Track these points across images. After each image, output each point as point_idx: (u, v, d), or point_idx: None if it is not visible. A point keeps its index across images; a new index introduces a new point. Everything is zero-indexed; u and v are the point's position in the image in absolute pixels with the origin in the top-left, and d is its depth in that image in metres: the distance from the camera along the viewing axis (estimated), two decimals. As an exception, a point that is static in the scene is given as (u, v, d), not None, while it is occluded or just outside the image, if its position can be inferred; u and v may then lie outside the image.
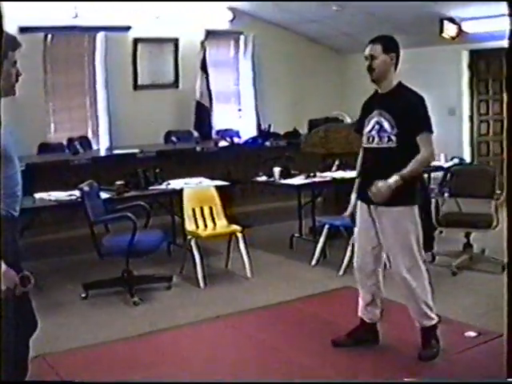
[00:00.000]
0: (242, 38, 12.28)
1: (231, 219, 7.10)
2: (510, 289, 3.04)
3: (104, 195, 6.79)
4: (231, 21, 11.70)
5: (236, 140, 10.67)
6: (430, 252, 7.07)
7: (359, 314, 4.85)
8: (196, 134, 11.28)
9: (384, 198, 4.34)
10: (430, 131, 4.45)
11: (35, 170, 7.46)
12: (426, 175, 8.36)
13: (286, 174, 7.79)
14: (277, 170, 7.78)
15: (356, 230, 4.79)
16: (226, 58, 12.46)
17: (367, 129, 4.57)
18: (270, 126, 10.88)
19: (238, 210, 8.22)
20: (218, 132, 11.68)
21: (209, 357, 4.88)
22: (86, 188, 6.20)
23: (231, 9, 11.55)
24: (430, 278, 4.61)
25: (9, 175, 3.34)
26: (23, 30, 9.04)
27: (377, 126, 4.48)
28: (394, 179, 4.31)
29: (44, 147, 9.84)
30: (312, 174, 7.76)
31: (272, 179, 7.84)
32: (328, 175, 7.66)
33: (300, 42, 12.53)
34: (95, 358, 4.86)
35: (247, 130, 11.82)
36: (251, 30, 12.10)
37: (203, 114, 11.45)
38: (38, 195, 6.78)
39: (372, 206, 4.55)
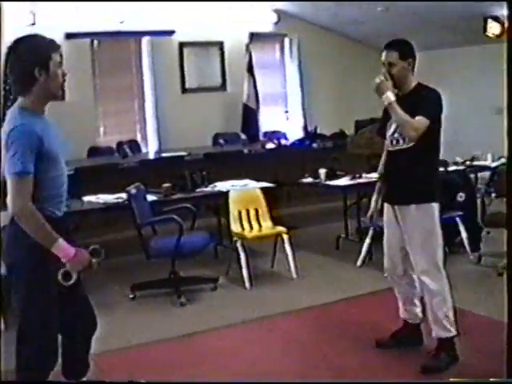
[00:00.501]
0: (286, 40, 12.35)
1: (277, 221, 7.14)
2: (509, 291, 3.05)
3: (151, 198, 6.90)
4: (276, 23, 11.79)
5: (283, 142, 10.72)
6: (476, 253, 7.07)
7: (400, 315, 4.88)
8: (243, 136, 11.36)
9: (383, 90, 4.40)
10: (428, 118, 4.33)
11: (84, 174, 7.62)
12: (472, 175, 8.32)
13: (331, 176, 7.82)
14: (322, 171, 7.80)
15: (384, 231, 4.81)
16: (271, 61, 12.54)
17: (390, 131, 4.59)
18: (316, 127, 10.89)
19: (285, 212, 8.28)
20: (265, 134, 11.73)
21: (250, 357, 4.95)
22: (133, 191, 6.32)
23: (276, 11, 11.62)
24: (450, 286, 4.54)
25: (54, 176, 3.49)
26: (69, 36, 9.23)
27: (399, 129, 4.48)
28: (390, 93, 4.38)
29: (93, 151, 10.02)
30: (357, 175, 7.77)
31: (317, 180, 7.87)
32: (374, 176, 7.62)
33: (345, 43, 12.55)
34: (140, 358, 4.98)
35: (294, 132, 11.85)
36: (296, 32, 12.18)
37: (250, 116, 11.53)
38: (86, 198, 6.91)
39: (396, 206, 4.61)
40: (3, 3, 3.48)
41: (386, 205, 4.75)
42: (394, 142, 4.56)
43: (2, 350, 4.13)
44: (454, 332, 4.51)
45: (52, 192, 3.48)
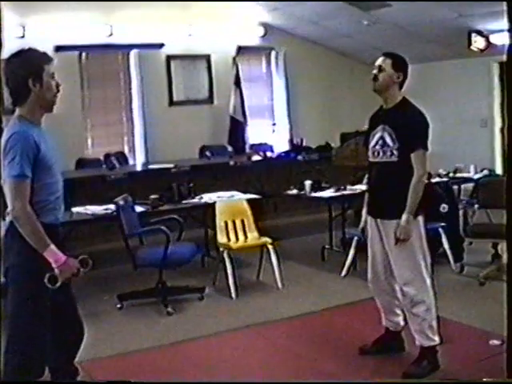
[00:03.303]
0: (273, 53, 12.47)
1: (263, 232, 7.22)
2: (509, 293, 3.13)
3: (139, 209, 6.98)
4: (262, 36, 11.92)
5: (269, 154, 10.81)
6: (459, 263, 7.19)
7: (383, 323, 4.98)
8: (230, 148, 11.47)
9: (408, 234, 4.46)
10: (425, 148, 4.51)
11: (72, 185, 7.65)
12: (456, 187, 8.44)
13: (316, 188, 7.91)
14: (308, 183, 7.90)
15: (368, 243, 4.88)
16: (258, 74, 12.64)
17: (372, 143, 4.68)
18: (302, 140, 11.03)
19: (271, 223, 8.39)
20: (251, 146, 11.81)
21: (237, 365, 5.03)
22: (121, 202, 6.40)
23: (262, 24, 11.75)
24: (435, 297, 4.62)
25: (48, 183, 3.60)
26: (58, 48, 9.32)
27: (380, 141, 4.59)
28: (404, 218, 4.44)
29: (81, 163, 10.08)
30: (342, 187, 7.87)
31: (303, 192, 7.96)
32: (358, 188, 7.73)
33: (331, 57, 12.67)
34: (129, 366, 5.06)
35: (280, 145, 11.96)
36: (282, 45, 12.30)
37: (237, 128, 11.63)
38: (75, 209, 6.98)
39: (378, 220, 4.69)
40: (3, 3, 3.63)
41: (369, 217, 4.83)
42: (375, 154, 4.65)
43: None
44: (437, 341, 4.59)
45: (45, 198, 3.59)
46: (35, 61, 3.60)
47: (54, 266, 3.46)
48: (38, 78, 3.56)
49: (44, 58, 3.65)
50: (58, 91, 3.68)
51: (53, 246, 3.48)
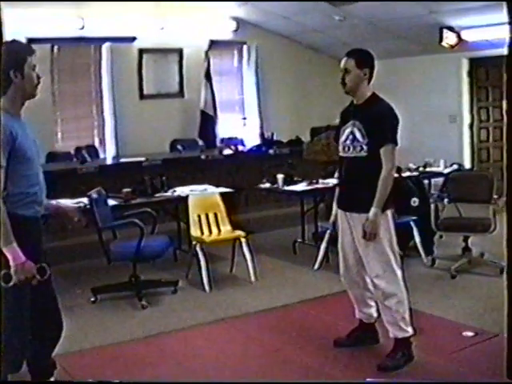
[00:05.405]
0: (245, 47, 12.46)
1: (236, 225, 7.25)
2: (510, 290, 3.18)
3: (112, 202, 6.96)
4: (235, 31, 11.89)
5: (240, 148, 10.81)
6: (430, 256, 7.28)
7: (356, 315, 5.02)
8: (201, 142, 11.44)
9: (376, 228, 4.50)
10: (394, 143, 4.54)
11: (44, 179, 7.62)
12: (426, 181, 8.53)
13: (289, 181, 7.95)
14: (280, 176, 7.93)
15: (339, 236, 4.93)
16: (229, 68, 12.62)
17: (342, 138, 4.71)
18: (272, 134, 11.07)
19: (243, 217, 8.38)
20: (222, 140, 11.81)
21: (213, 358, 5.03)
22: (95, 195, 6.37)
23: (235, 19, 11.74)
24: (407, 288, 4.65)
25: (25, 175, 3.61)
26: (30, 41, 9.22)
27: (351, 136, 4.62)
28: (372, 212, 4.48)
29: (52, 156, 9.99)
30: (314, 181, 7.91)
31: (275, 186, 7.99)
32: (330, 182, 7.77)
33: (303, 52, 12.68)
34: (104, 359, 5.04)
35: (251, 139, 11.97)
36: (254, 40, 12.27)
37: (208, 122, 11.59)
38: (46, 203, 6.91)
39: (348, 213, 4.73)
40: (3, 3, 3.60)
41: (339, 211, 4.87)
42: (346, 149, 4.69)
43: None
44: (410, 332, 4.63)
45: (25, 190, 3.59)
46: (17, 52, 3.61)
47: (11, 263, 3.39)
48: (20, 69, 3.57)
49: (26, 49, 3.67)
50: (39, 83, 3.69)
51: (15, 245, 3.41)
